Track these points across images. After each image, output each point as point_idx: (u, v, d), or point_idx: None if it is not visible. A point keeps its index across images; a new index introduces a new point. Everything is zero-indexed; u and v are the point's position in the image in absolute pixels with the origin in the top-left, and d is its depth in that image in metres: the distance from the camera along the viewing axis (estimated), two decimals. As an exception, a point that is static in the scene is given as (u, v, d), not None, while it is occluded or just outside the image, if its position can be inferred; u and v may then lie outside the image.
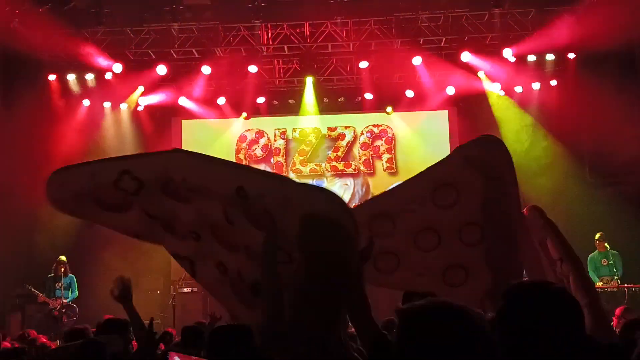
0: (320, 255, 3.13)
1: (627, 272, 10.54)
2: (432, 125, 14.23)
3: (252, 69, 12.77)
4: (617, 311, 7.81)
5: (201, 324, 6.32)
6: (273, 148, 14.35)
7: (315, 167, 14.29)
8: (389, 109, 14.03)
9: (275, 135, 14.41)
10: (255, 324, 3.49)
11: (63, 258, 11.02)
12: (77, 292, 11.20)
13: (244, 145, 14.38)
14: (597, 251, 10.77)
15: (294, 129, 14.42)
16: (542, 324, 2.09)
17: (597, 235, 10.69)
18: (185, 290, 11.88)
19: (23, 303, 11.22)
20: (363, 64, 12.72)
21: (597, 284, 10.47)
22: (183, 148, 14.28)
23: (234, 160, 13.57)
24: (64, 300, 10.95)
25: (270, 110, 14.18)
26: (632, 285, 10.21)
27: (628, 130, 11.19)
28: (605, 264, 10.57)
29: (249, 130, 14.39)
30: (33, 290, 10.96)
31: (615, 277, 10.29)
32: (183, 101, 13.64)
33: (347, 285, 3.00)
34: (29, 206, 11.76)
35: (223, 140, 14.40)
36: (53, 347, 6.33)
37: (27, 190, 11.92)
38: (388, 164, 14.19)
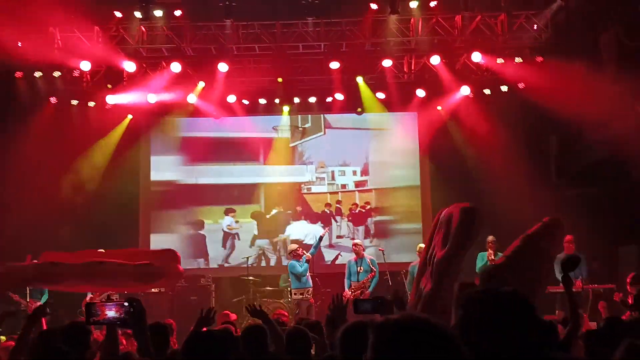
0: None
1: (592, 273, 10.71)
2: (402, 127, 14.33)
3: (223, 67, 12.68)
4: (628, 278, 8.68)
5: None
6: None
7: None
8: (359, 109, 14.10)
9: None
10: None
11: None
12: (47, 296, 11.02)
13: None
14: (564, 253, 10.93)
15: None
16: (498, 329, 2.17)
17: (567, 238, 10.81)
18: (153, 290, 11.78)
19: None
20: (334, 65, 12.73)
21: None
22: (152, 146, 14.19)
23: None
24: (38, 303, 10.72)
25: (241, 109, 14.10)
26: (596, 285, 10.38)
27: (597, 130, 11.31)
28: (571, 265, 10.71)
29: (217, 129, 14.38)
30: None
31: (580, 277, 10.44)
32: (152, 99, 13.48)
33: None
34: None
35: (191, 138, 14.33)
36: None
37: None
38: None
